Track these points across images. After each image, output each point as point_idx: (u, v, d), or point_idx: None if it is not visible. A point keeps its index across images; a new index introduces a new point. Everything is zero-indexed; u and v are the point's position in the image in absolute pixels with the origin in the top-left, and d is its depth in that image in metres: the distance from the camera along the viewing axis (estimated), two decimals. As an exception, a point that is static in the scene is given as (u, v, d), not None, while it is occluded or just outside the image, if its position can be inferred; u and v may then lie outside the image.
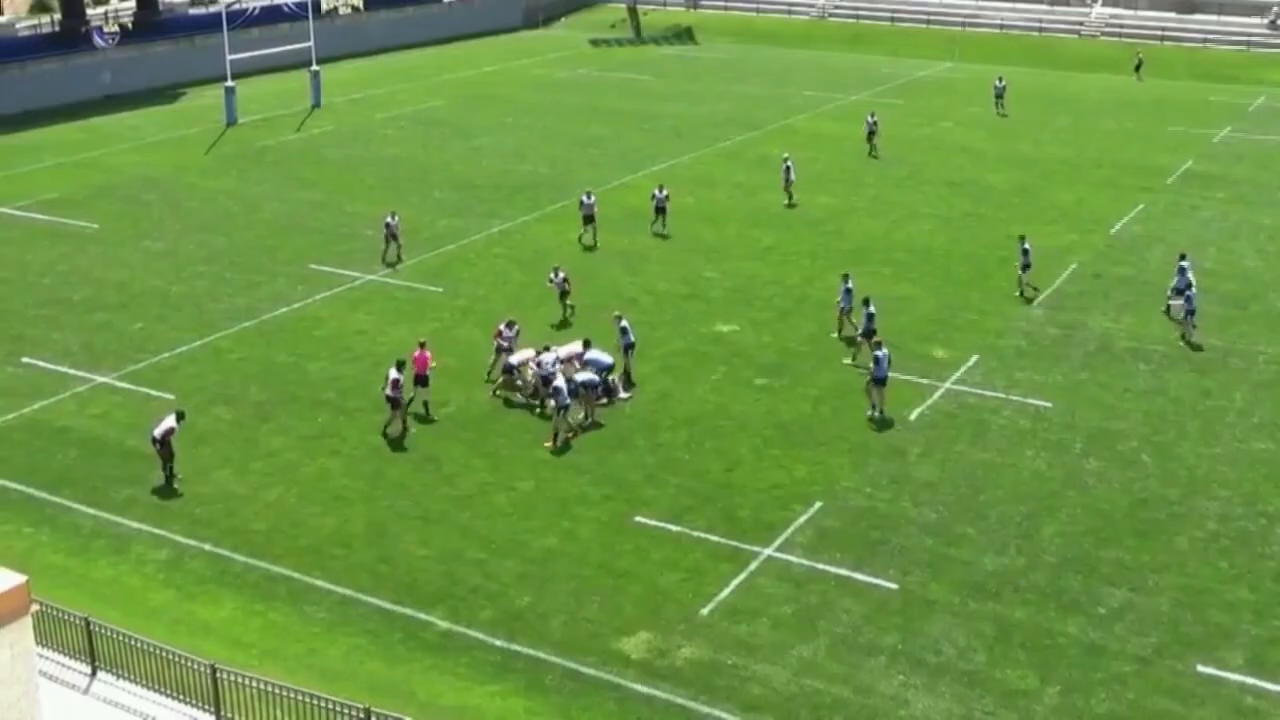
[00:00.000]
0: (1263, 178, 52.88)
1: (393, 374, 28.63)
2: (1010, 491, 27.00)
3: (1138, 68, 76.46)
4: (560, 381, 28.43)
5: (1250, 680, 21.07)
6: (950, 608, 22.96)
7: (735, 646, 21.79)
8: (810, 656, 21.57)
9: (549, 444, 28.41)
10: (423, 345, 30.30)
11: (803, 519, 25.75)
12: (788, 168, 48.44)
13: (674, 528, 25.38)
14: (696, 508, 26.13)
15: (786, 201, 48.04)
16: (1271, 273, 40.93)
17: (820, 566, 24.12)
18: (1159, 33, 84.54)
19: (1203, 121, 64.01)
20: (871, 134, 55.99)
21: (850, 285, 34.62)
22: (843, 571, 23.98)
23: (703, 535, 25.13)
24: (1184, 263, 37.08)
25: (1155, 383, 32.38)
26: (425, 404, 29.90)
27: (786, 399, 31.20)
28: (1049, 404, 31.01)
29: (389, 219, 40.94)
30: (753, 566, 24.11)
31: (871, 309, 32.58)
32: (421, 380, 29.81)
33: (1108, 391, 31.83)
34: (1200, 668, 21.38)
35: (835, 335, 34.58)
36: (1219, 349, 34.49)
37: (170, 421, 26.72)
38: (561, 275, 35.57)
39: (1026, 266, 38.03)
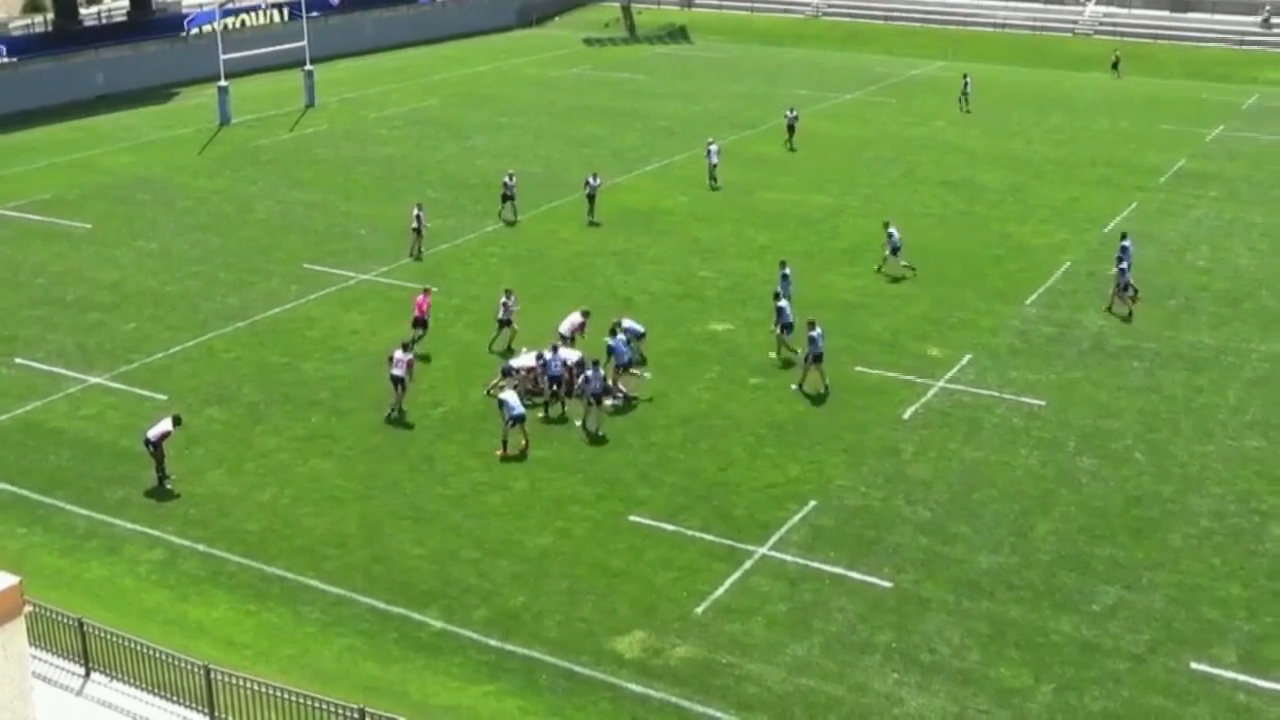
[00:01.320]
0: (1256, 176, 52.95)
1: (398, 354, 29.51)
2: (1004, 490, 27.02)
3: (1115, 65, 76.73)
4: (509, 395, 28.16)
5: (1243, 678, 21.11)
6: (944, 606, 22.98)
7: (730, 645, 21.80)
8: (804, 655, 21.59)
9: (499, 451, 28.22)
10: (427, 291, 33.98)
11: (797, 518, 25.77)
12: (710, 151, 49.82)
13: (668, 527, 25.39)
14: (691, 507, 26.14)
15: (711, 185, 49.43)
16: (1264, 271, 40.99)
17: (814, 565, 24.14)
18: (1153, 31, 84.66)
19: (1196, 120, 64.07)
20: (791, 127, 57.00)
21: (788, 271, 34.78)
22: (837, 570, 23.99)
23: (697, 534, 25.14)
24: (1125, 241, 37.99)
25: (1148, 380, 32.42)
26: (415, 340, 32.14)
27: (781, 398, 31.20)
28: (1042, 402, 31.04)
29: (417, 211, 41.25)
30: (747, 565, 24.13)
31: (782, 303, 33.29)
32: (420, 324, 33.04)
33: (1101, 389, 31.87)
34: (1194, 665, 21.42)
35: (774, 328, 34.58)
36: (1212, 347, 34.55)
37: (166, 425, 26.67)
38: (513, 299, 33.72)
39: (895, 250, 39.10)
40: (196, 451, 28.28)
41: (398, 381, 29.46)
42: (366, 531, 25.25)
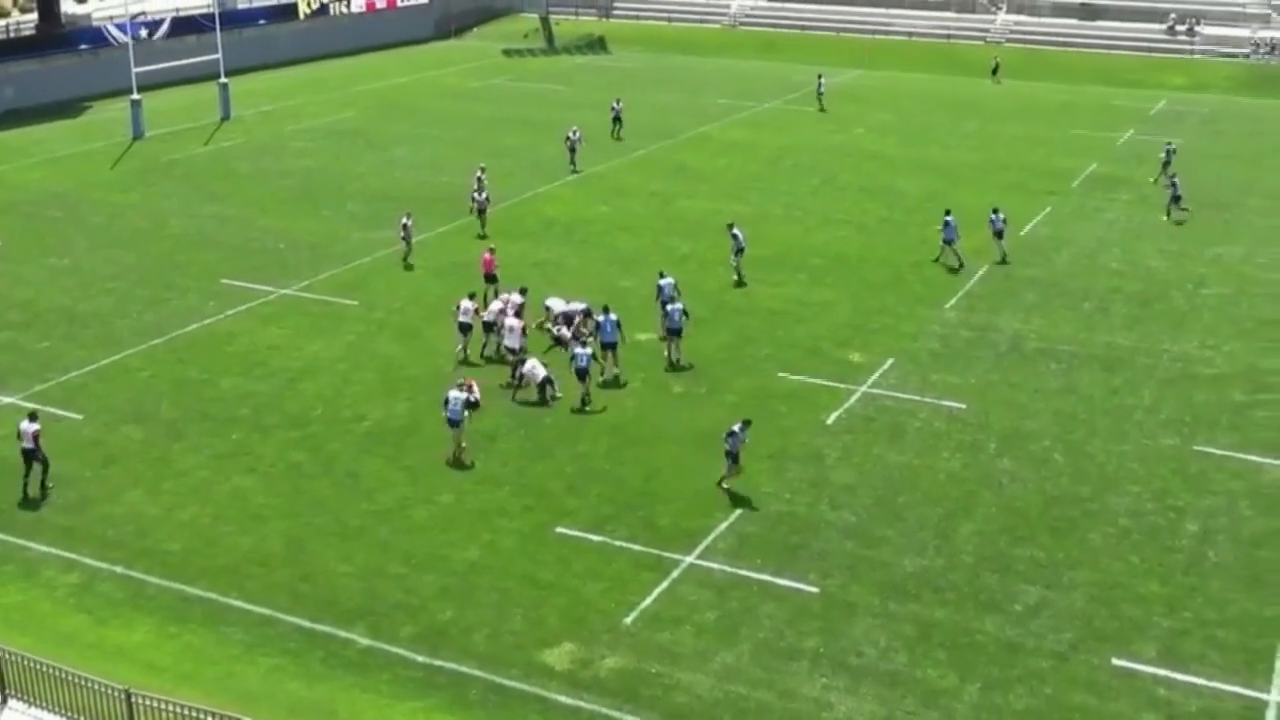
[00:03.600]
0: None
1: (466, 304, 32.76)
2: (927, 493, 27.33)
3: (994, 71, 78.17)
4: (452, 393, 28.07)
5: (1163, 672, 21.51)
6: (871, 609, 23.18)
7: (659, 655, 21.82)
8: (733, 662, 21.66)
9: (458, 458, 28.16)
10: (492, 250, 38.10)
11: (723, 525, 25.86)
12: (577, 138, 54.40)
13: (596, 537, 25.36)
14: (618, 517, 26.13)
15: (571, 170, 53.42)
16: (1174, 272, 41.88)
17: (741, 572, 24.23)
18: (1063, 39, 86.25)
19: (1106, 125, 65.37)
20: (616, 119, 60.72)
21: (663, 281, 35.36)
22: (764, 577, 24.11)
23: (625, 544, 25.14)
24: (948, 217, 41.94)
25: (1065, 382, 32.97)
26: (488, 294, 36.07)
27: (705, 406, 31.32)
28: (963, 405, 31.45)
29: (405, 220, 41.78)
30: (675, 574, 24.16)
31: (663, 281, 35.20)
32: (490, 279, 36.98)
33: (1019, 392, 32.36)
34: (1115, 661, 21.79)
35: (657, 338, 34.99)
36: (1126, 348, 35.23)
37: (25, 424, 26.44)
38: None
39: (739, 251, 40.27)
40: (113, 471, 27.79)
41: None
42: (291, 549, 24.94)
